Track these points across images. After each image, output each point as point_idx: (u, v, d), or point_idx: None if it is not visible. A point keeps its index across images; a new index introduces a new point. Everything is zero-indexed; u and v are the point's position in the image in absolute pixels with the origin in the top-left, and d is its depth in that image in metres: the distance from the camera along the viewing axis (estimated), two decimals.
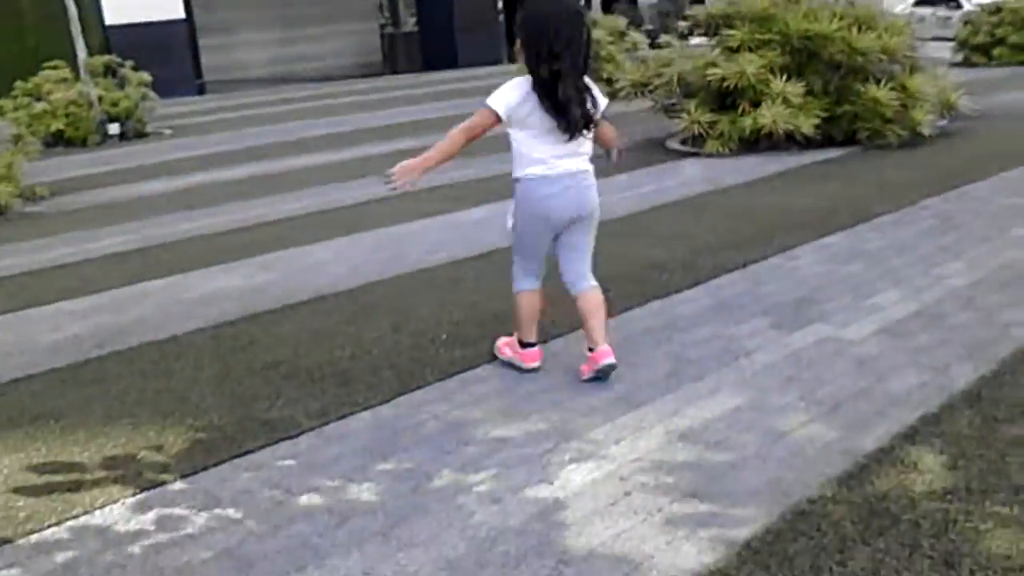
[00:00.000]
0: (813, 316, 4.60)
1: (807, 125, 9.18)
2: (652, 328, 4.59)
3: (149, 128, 16.17)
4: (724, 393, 3.77)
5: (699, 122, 9.58)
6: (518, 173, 3.94)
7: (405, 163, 4.01)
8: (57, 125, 14.85)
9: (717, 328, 4.53)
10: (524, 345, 4.21)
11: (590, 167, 3.99)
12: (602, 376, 3.97)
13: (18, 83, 15.61)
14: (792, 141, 9.32)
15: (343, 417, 3.83)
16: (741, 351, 4.20)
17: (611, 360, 3.94)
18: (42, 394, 4.38)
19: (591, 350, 4.00)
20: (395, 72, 31.25)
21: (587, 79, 3.85)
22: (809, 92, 9.46)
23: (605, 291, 4.16)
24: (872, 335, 4.28)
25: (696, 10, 10.89)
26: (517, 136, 3.88)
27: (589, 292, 4.07)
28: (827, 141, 9.41)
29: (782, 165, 8.74)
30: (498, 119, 3.82)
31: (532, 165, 3.88)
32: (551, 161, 3.86)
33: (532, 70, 3.79)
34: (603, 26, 17.03)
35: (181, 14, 24.58)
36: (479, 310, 5.07)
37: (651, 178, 8.67)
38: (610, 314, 4.29)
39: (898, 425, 3.37)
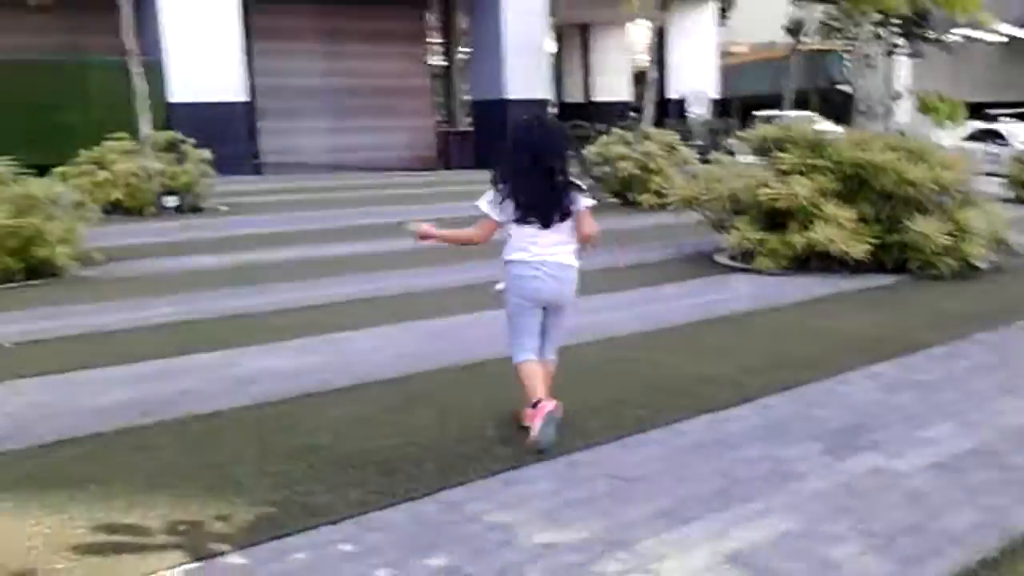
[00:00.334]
0: (865, 444, 4.53)
1: (858, 249, 9.18)
2: (701, 443, 4.53)
3: (205, 204, 16.49)
4: (774, 516, 3.70)
5: (749, 238, 9.62)
6: (505, 257, 4.66)
7: (429, 227, 4.89)
8: (117, 194, 15.19)
9: (767, 449, 4.46)
10: (535, 405, 4.51)
11: (571, 261, 4.62)
12: (541, 446, 4.38)
13: (83, 152, 16.04)
14: (843, 264, 9.31)
15: (384, 508, 3.79)
16: (792, 474, 4.13)
17: (551, 408, 4.46)
18: (86, 458, 4.39)
19: (536, 403, 4.49)
20: (448, 168, 31.79)
21: (569, 178, 4.55)
22: (861, 219, 9.49)
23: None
24: (926, 469, 4.20)
25: (749, 131, 11.02)
26: (508, 228, 4.60)
27: (549, 363, 4.84)
28: (878, 267, 9.38)
29: (833, 288, 8.71)
30: (496, 222, 4.62)
31: (515, 252, 4.60)
32: (531, 249, 4.55)
33: (505, 178, 4.60)
34: (655, 140, 17.26)
35: (244, 97, 25.27)
36: (522, 410, 5.03)
37: (700, 291, 8.67)
38: (659, 425, 4.25)
39: (956, 566, 3.28)
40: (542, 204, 4.51)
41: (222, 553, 3.39)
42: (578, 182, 4.62)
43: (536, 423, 4.41)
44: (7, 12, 23.79)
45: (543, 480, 4.08)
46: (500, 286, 4.70)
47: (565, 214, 4.52)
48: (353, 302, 8.29)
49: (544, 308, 4.67)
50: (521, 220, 4.54)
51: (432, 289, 8.87)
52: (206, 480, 4.08)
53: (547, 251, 4.54)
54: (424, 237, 4.90)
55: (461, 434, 4.66)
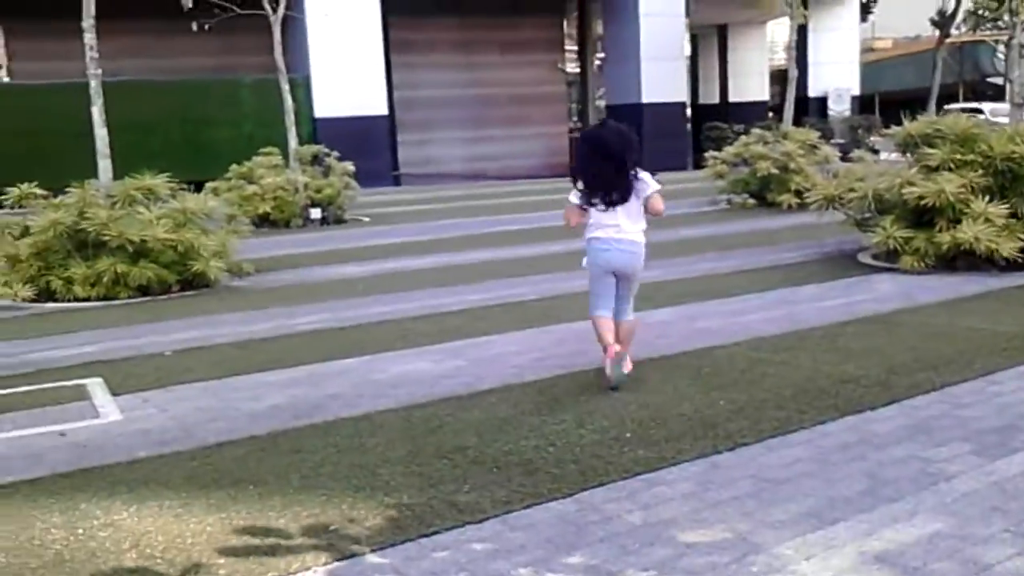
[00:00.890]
0: (1018, 445, 4.37)
1: (1009, 247, 8.83)
2: (847, 444, 4.46)
3: (348, 215, 17.02)
4: (922, 517, 3.62)
5: (894, 237, 9.36)
6: (586, 235, 5.73)
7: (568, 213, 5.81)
8: (265, 207, 15.85)
9: (914, 449, 4.35)
10: (605, 348, 5.53)
11: (639, 238, 5.65)
12: (616, 383, 5.48)
13: (233, 166, 16.78)
14: (992, 263, 8.97)
15: (528, 507, 3.87)
16: (940, 475, 4.03)
17: (619, 352, 5.53)
18: (243, 459, 4.61)
19: (607, 347, 5.51)
20: None
21: (633, 168, 5.53)
22: (1013, 215, 9.12)
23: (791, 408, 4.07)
24: None
25: (893, 128, 10.71)
26: (589, 212, 5.64)
27: (624, 323, 5.75)
28: None
29: (982, 286, 8.40)
30: (580, 207, 5.67)
31: (593, 230, 5.66)
32: (605, 228, 5.60)
33: (580, 172, 5.70)
34: (794, 139, 16.94)
35: (384, 111, 25.94)
36: (663, 411, 5.05)
37: (843, 291, 8.49)
38: (803, 427, 4.22)
39: None
40: (611, 190, 5.53)
41: (370, 551, 3.52)
42: (643, 172, 5.61)
43: (607, 363, 5.48)
44: (167, 35, 25.05)
45: (685, 481, 4.09)
46: (585, 262, 5.77)
47: (630, 197, 5.54)
48: (492, 307, 8.43)
49: (616, 276, 5.66)
50: (596, 204, 5.58)
51: (568, 293, 8.91)
52: (355, 481, 4.24)
53: (613, 232, 5.58)
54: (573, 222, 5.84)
55: (601, 436, 4.71)
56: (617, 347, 5.50)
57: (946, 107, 27.96)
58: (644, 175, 5.61)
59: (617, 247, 5.60)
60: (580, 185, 5.66)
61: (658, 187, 5.66)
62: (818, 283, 8.92)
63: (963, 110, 24.97)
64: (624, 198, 5.55)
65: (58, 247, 9.82)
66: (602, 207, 5.57)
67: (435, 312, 8.28)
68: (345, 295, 9.37)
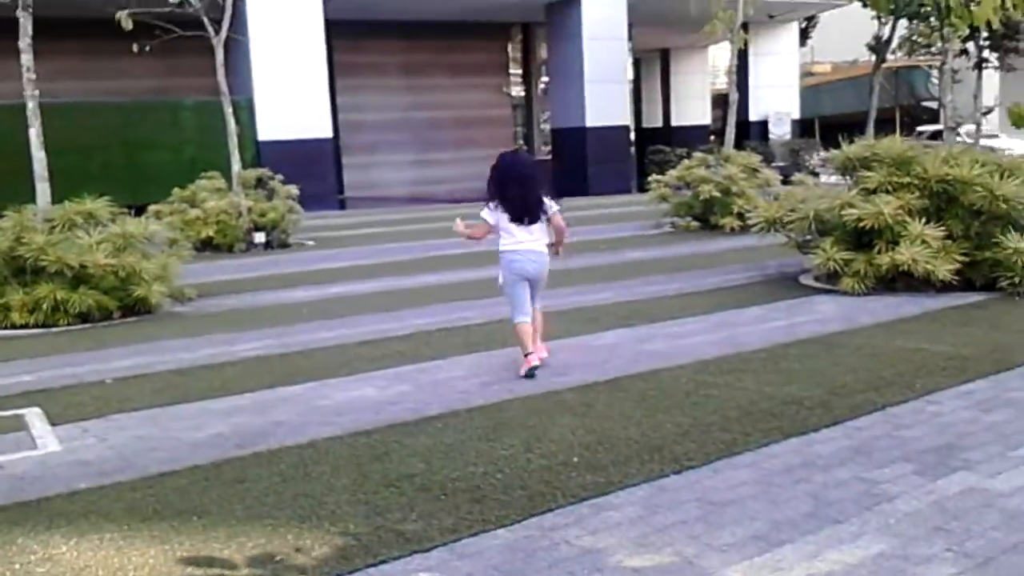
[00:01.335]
0: (958, 464, 4.45)
1: (945, 269, 9.01)
2: (791, 466, 4.50)
3: (292, 239, 16.89)
4: (867, 538, 3.66)
5: (834, 259, 9.51)
6: (500, 248, 6.67)
7: (461, 226, 6.78)
8: (208, 231, 15.67)
9: (857, 470, 4.41)
10: (526, 355, 6.55)
11: (543, 248, 6.69)
12: (530, 375, 6.46)
13: (176, 190, 16.59)
14: (929, 284, 9.14)
15: (475, 534, 3.85)
16: (883, 496, 4.09)
17: (542, 357, 6.68)
18: (185, 489, 4.54)
19: (527, 354, 6.57)
20: None
21: (539, 192, 6.59)
22: (948, 236, 9.31)
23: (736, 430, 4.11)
24: (1023, 488, 4.11)
25: (832, 151, 10.90)
26: (500, 228, 6.60)
27: (537, 312, 6.86)
28: (967, 286, 9.19)
29: (919, 307, 8.56)
30: (489, 225, 6.66)
31: (506, 244, 6.61)
32: (516, 243, 6.58)
33: (493, 193, 6.59)
34: (735, 162, 17.15)
35: (329, 134, 25.83)
36: (611, 436, 5.07)
37: (785, 313, 8.60)
38: (748, 449, 4.25)
39: None
40: (524, 210, 6.52)
41: None
42: (547, 196, 6.64)
43: (525, 368, 6.51)
44: (107, 56, 24.74)
45: (632, 505, 4.10)
46: (501, 279, 6.73)
47: (537, 217, 6.56)
48: (437, 331, 8.41)
49: (529, 281, 6.68)
50: (508, 221, 6.53)
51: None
52: (301, 510, 4.19)
53: (527, 242, 6.58)
54: (459, 231, 6.82)
55: (547, 461, 4.71)
56: (535, 360, 6.55)
57: (919, 129, 28.50)
58: (546, 199, 6.64)
59: (529, 257, 6.63)
60: (493, 205, 6.60)
61: (558, 208, 6.71)
62: (761, 305, 9.02)
63: (932, 135, 25.55)
64: (535, 217, 6.57)
65: None
66: (516, 224, 6.55)
67: (381, 337, 8.24)
68: (289, 320, 9.28)
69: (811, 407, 5.48)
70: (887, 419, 5.22)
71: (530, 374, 6.46)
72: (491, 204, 6.60)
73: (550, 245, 6.82)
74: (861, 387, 5.89)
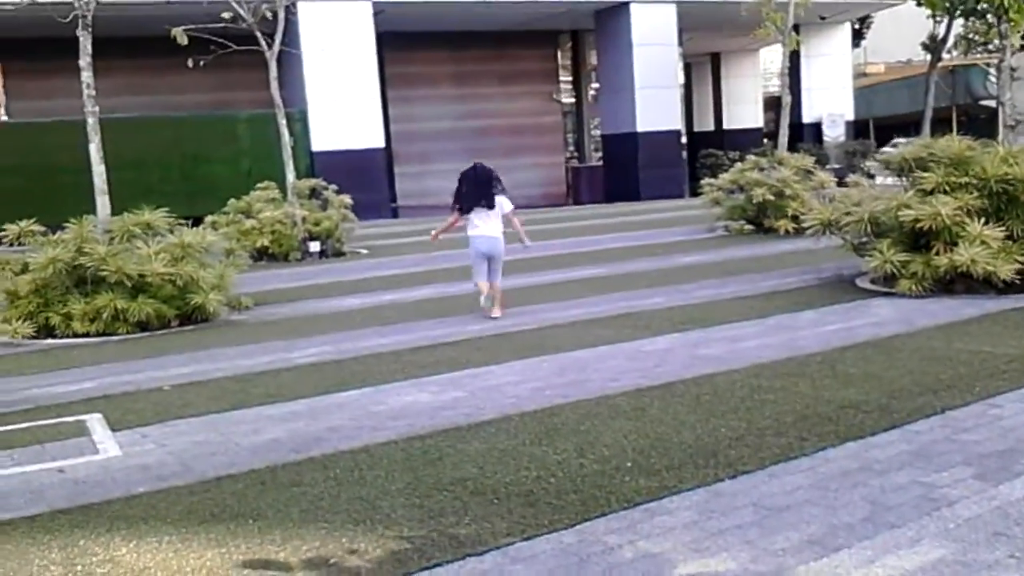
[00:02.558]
0: (1021, 469, 4.36)
1: (1006, 269, 8.84)
2: (848, 470, 4.45)
3: (346, 247, 17.04)
4: (925, 544, 3.60)
5: (891, 261, 9.38)
6: (468, 232, 9.28)
7: (435, 232, 9.88)
8: (263, 241, 15.87)
9: (916, 475, 4.34)
10: (481, 290, 9.36)
11: (498, 234, 9.33)
12: (487, 301, 9.35)
13: (232, 201, 16.84)
14: (990, 285, 8.98)
15: (529, 538, 3.85)
16: (943, 500, 4.02)
17: (494, 316, 9.23)
18: (243, 493, 4.60)
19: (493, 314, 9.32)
20: (577, 203, 31.94)
21: (492, 192, 9.28)
22: (1009, 237, 9.14)
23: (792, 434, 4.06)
24: None
25: (888, 152, 10.74)
26: (467, 218, 9.27)
27: (495, 284, 9.35)
28: None
29: (979, 309, 8.41)
30: (459, 215, 9.38)
31: (471, 229, 9.23)
32: (478, 227, 9.25)
33: (459, 197, 9.38)
34: (789, 165, 17.00)
35: (381, 144, 26.04)
36: (665, 441, 5.04)
37: (841, 316, 8.50)
38: (804, 453, 4.25)
39: None
40: (482, 203, 9.26)
41: None
42: (502, 194, 9.39)
43: (482, 298, 9.41)
44: (163, 72, 25.21)
45: (686, 510, 4.08)
46: (470, 251, 9.57)
47: (495, 208, 9.29)
48: (490, 337, 8.43)
49: (487, 258, 9.30)
50: (472, 212, 9.24)
51: (568, 322, 8.94)
52: (355, 514, 4.22)
53: (486, 229, 9.28)
54: (436, 237, 9.95)
55: (601, 466, 4.69)
56: (486, 287, 9.36)
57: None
58: (499, 197, 9.36)
59: (487, 239, 9.31)
60: (456, 206, 9.47)
61: (508, 201, 9.51)
62: (817, 309, 8.92)
63: None
64: (491, 207, 9.27)
65: (57, 283, 9.83)
66: (475, 215, 9.23)
67: (434, 343, 8.28)
68: (344, 327, 9.37)
69: (868, 411, 5.41)
70: (947, 423, 5.14)
71: (485, 304, 9.43)
72: (455, 205, 9.52)
73: (516, 237, 9.82)
74: (920, 390, 5.80)
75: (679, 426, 5.28)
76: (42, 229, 10.33)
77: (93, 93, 10.98)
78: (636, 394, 6.08)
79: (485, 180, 9.38)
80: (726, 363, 6.81)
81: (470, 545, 3.80)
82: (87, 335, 9.50)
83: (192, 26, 13.53)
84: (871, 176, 17.87)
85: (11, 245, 10.43)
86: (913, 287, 9.18)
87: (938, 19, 25.04)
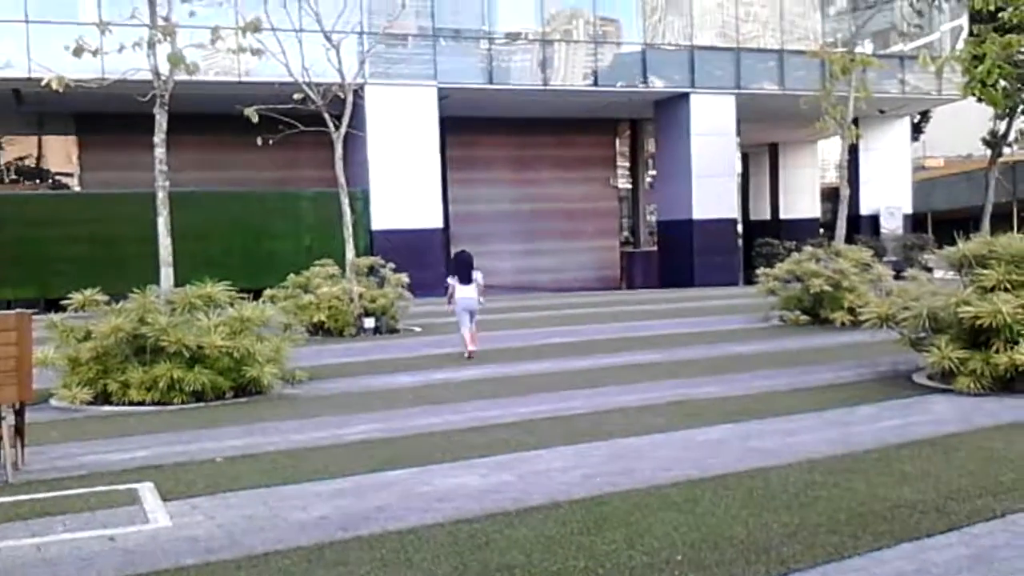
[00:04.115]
0: None
1: None
2: (903, 573, 4.35)
3: (401, 325, 17.18)
4: None
5: (950, 358, 9.24)
6: (456, 296, 13.42)
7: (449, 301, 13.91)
8: (320, 316, 16.08)
9: None
10: (467, 353, 13.00)
11: (475, 296, 13.43)
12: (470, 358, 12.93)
13: (291, 276, 17.12)
14: None
15: None
16: None
17: (473, 351, 13.08)
18: (290, 570, 4.60)
19: (468, 353, 13.09)
20: (631, 287, 31.96)
21: (472, 271, 13.52)
22: None
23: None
24: None
25: (948, 248, 10.66)
26: (456, 287, 13.46)
27: (473, 327, 13.30)
28: None
29: None
30: (454, 286, 13.48)
31: (458, 294, 13.39)
32: (463, 292, 13.39)
33: (453, 272, 13.71)
34: (847, 256, 16.90)
35: (440, 224, 26.43)
36: (715, 534, 4.97)
37: (898, 412, 8.36)
38: (858, 553, 4.12)
39: None
40: (466, 278, 13.36)
41: None
42: (477, 271, 13.48)
43: (468, 351, 12.96)
44: (231, 149, 25.92)
45: None
46: (455, 311, 13.50)
47: (471, 280, 13.35)
48: (541, 420, 8.40)
49: (469, 312, 13.18)
50: (460, 282, 13.32)
51: (619, 407, 8.89)
52: None
53: (468, 293, 13.31)
54: (450, 301, 13.61)
55: (651, 558, 4.64)
56: (468, 333, 13.16)
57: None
58: (476, 273, 13.48)
59: (469, 300, 13.36)
60: (453, 278, 13.54)
61: (480, 276, 13.58)
62: (873, 404, 8.79)
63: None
64: (470, 280, 13.40)
65: (117, 352, 10.01)
66: (463, 284, 13.37)
67: (484, 424, 8.28)
68: (395, 405, 9.41)
69: (925, 511, 5.29)
70: (1007, 526, 5.01)
71: (470, 357, 12.85)
72: (452, 277, 13.70)
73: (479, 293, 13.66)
74: (978, 492, 5.67)
75: (731, 520, 5.21)
76: (105, 298, 10.56)
77: (165, 168, 11.31)
78: (688, 485, 6.01)
79: (469, 262, 13.65)
80: (779, 457, 6.71)
81: None
82: (143, 403, 9.64)
83: (263, 106, 13.93)
84: (928, 270, 17.71)
85: (75, 312, 10.66)
86: (971, 384, 9.02)
87: (999, 115, 24.95)
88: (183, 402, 9.69)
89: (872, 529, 4.98)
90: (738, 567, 4.47)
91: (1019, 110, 24.52)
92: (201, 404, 9.76)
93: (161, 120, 11.27)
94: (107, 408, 9.65)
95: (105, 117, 25.68)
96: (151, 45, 11.31)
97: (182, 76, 11.35)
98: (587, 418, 8.48)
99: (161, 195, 11.24)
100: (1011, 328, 9.00)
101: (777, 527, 5.06)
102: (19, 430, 6.91)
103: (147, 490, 6.19)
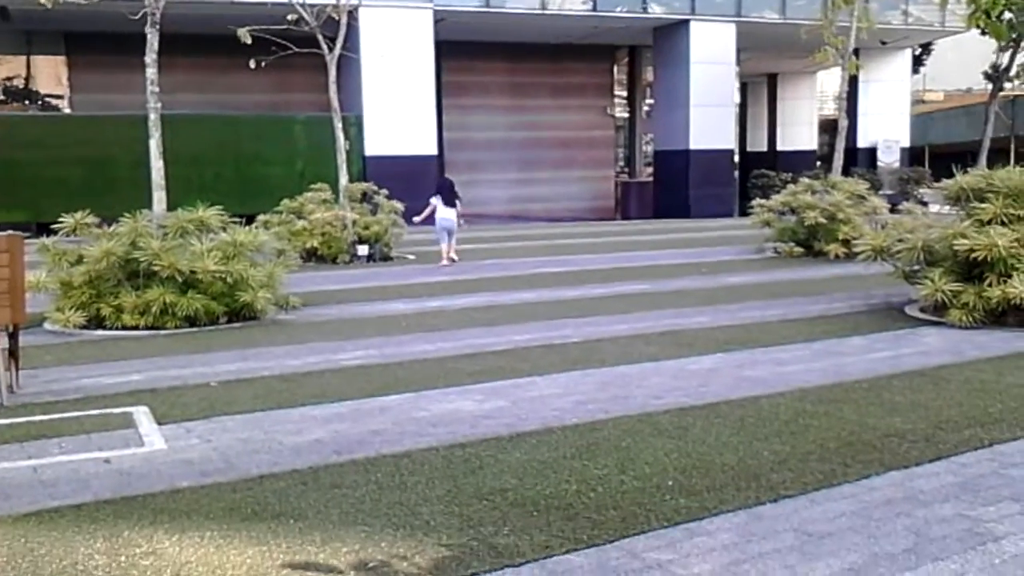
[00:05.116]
0: None
1: None
2: (891, 500, 4.40)
3: (394, 252, 17.16)
4: None
5: (943, 291, 9.26)
6: (436, 215, 15.97)
7: (420, 216, 16.54)
8: (313, 242, 16.04)
9: (961, 508, 4.28)
10: (448, 258, 16.00)
11: (453, 217, 16.03)
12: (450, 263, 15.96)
13: (285, 201, 17.03)
14: None
15: (568, 552, 3.85)
16: (988, 535, 3.96)
17: (452, 257, 16.18)
18: (284, 492, 4.64)
19: (443, 262, 15.90)
20: (626, 218, 31.90)
21: (455, 194, 16.30)
22: None
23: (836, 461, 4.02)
24: None
25: (945, 181, 10.62)
26: (438, 207, 16.12)
27: (452, 244, 16.21)
28: None
29: None
30: (434, 205, 16.20)
31: (439, 212, 15.93)
32: (443, 212, 15.95)
33: (436, 193, 16.46)
34: (842, 189, 16.86)
35: (434, 151, 26.21)
36: (706, 461, 5.01)
37: (890, 344, 8.40)
38: (847, 481, 4.23)
39: None
40: (448, 201, 15.96)
41: None
42: (458, 198, 16.31)
43: (444, 261, 15.75)
44: (224, 71, 25.62)
45: (726, 532, 4.05)
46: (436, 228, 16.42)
47: (453, 204, 16.02)
48: (534, 348, 8.43)
49: (448, 231, 15.94)
50: (442, 204, 15.91)
51: (610, 336, 8.92)
52: (395, 519, 4.25)
53: (448, 214, 15.89)
54: (421, 220, 16.34)
55: (642, 483, 4.68)
56: (446, 249, 15.88)
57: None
58: (457, 200, 16.07)
59: (448, 220, 15.75)
60: (436, 197, 15.94)
61: (460, 205, 16.32)
62: (865, 335, 8.83)
63: None
64: (453, 203, 15.79)
65: (110, 276, 9.98)
66: (446, 206, 15.68)
67: (478, 351, 8.30)
68: (389, 332, 9.43)
69: (914, 440, 5.34)
70: (994, 456, 5.06)
71: (449, 263, 15.37)
72: (435, 196, 15.89)
73: (459, 216, 16.07)
74: (967, 422, 5.72)
75: (722, 447, 5.25)
76: (97, 221, 10.49)
77: (156, 90, 11.17)
78: (679, 413, 6.05)
79: (452, 187, 16.14)
80: (771, 386, 6.76)
81: (508, 556, 3.81)
82: (136, 328, 9.64)
83: (256, 27, 13.71)
84: (924, 204, 17.67)
85: (66, 236, 10.61)
86: (964, 318, 9.06)
87: (1002, 48, 24.69)
88: (176, 327, 9.70)
89: (862, 457, 5.03)
90: (728, 493, 4.51)
91: (1023, 43, 24.25)
92: (195, 329, 9.77)
93: (152, 40, 11.10)
94: (100, 332, 9.65)
95: (95, 37, 25.34)
96: None
97: None
98: (580, 346, 8.51)
99: (153, 117, 11.12)
100: (1006, 262, 9.01)
101: (768, 454, 5.10)
102: (13, 353, 6.92)
103: (142, 413, 6.22)
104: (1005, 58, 25.55)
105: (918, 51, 37.44)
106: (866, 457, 5.04)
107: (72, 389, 7.02)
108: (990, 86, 26.15)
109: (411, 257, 17.22)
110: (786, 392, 6.55)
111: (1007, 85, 26.79)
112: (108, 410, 6.33)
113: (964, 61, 36.25)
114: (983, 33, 21.05)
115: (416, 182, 24.07)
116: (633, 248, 18.86)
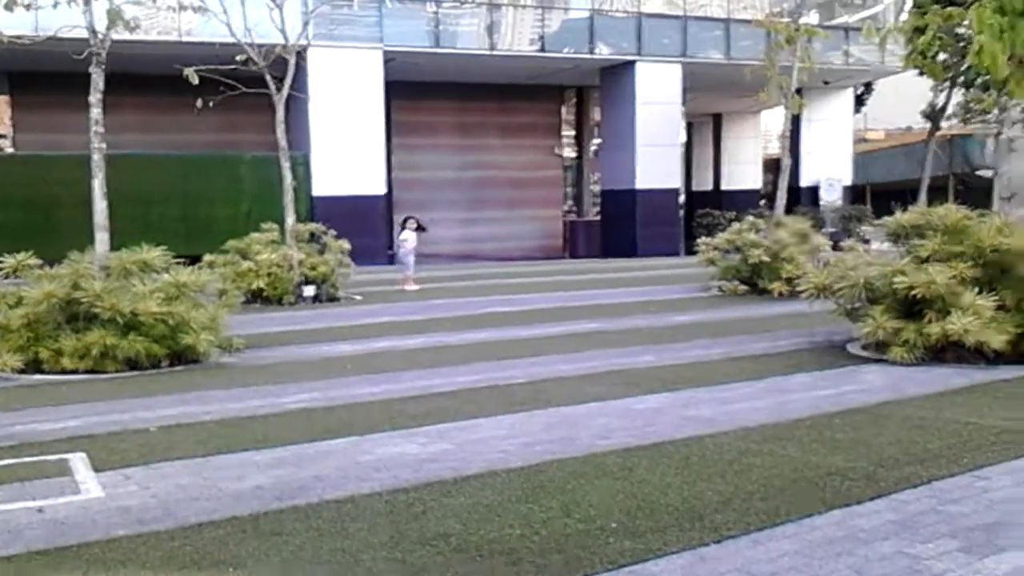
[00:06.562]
0: (1006, 542, 4.34)
1: (997, 340, 8.87)
2: (833, 538, 4.42)
3: (341, 293, 17.05)
4: None
5: (884, 328, 9.39)
6: (402, 240, 19.45)
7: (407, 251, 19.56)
8: (259, 283, 15.88)
9: (901, 545, 4.32)
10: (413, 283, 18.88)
11: (415, 243, 19.39)
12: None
13: (231, 241, 16.88)
14: (981, 355, 8.99)
15: None
16: (927, 572, 4.00)
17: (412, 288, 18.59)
18: (223, 540, 4.56)
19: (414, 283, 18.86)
20: (574, 256, 32.05)
21: (420, 223, 19.91)
22: (1000, 307, 9.18)
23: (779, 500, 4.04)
24: None
25: (886, 218, 10.82)
26: (407, 234, 19.41)
27: (411, 275, 18.97)
28: (1020, 359, 9.02)
29: (969, 379, 8.41)
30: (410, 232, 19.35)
31: (406, 241, 19.11)
32: (409, 239, 19.08)
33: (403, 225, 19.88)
34: (786, 227, 17.09)
35: (382, 191, 26.18)
36: (650, 502, 5.01)
37: (832, 381, 8.49)
38: (790, 519, 4.17)
39: None
40: (418, 228, 19.47)
41: None
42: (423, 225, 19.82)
43: (411, 288, 18.41)
44: (170, 111, 25.40)
45: (670, 574, 4.05)
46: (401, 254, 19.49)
47: (421, 230, 19.80)
48: (482, 389, 8.40)
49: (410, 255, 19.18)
50: (411, 232, 19.24)
51: (559, 377, 8.93)
52: (336, 566, 4.19)
53: (412, 241, 19.04)
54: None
55: (586, 525, 4.67)
56: (413, 286, 18.55)
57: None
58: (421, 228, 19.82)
59: (412, 245, 19.07)
60: (411, 225, 19.38)
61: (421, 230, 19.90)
62: (808, 372, 8.93)
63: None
64: (421, 231, 19.79)
65: (49, 319, 9.80)
66: (412, 234, 19.10)
67: (424, 393, 8.26)
68: (334, 374, 9.35)
69: (855, 479, 5.39)
70: (933, 493, 5.12)
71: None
72: (405, 228, 19.23)
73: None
74: (907, 459, 5.78)
75: (666, 488, 5.26)
76: (39, 263, 10.32)
77: (101, 130, 11.04)
78: (624, 453, 6.05)
79: (416, 224, 19.47)
80: (715, 425, 6.79)
81: None
82: (76, 372, 9.46)
83: (203, 66, 13.64)
84: (866, 241, 17.98)
85: (6, 277, 10.42)
86: (904, 355, 9.19)
87: (939, 88, 25.31)
88: (117, 370, 9.53)
89: (804, 496, 5.06)
90: (672, 534, 4.51)
91: (958, 83, 24.89)
92: (135, 372, 9.60)
93: (97, 79, 10.99)
94: (38, 376, 9.46)
95: (40, 76, 25.00)
96: (87, 0, 11.00)
97: (120, 34, 11.06)
98: (527, 387, 8.50)
99: (97, 157, 10.98)
100: (944, 299, 9.16)
101: (711, 494, 5.12)
102: None
103: (79, 460, 6.09)
104: (942, 98, 26.20)
105: (860, 91, 38.23)
106: (808, 496, 5.07)
107: (6, 435, 6.86)
108: (929, 125, 26.75)
109: (358, 298, 17.13)
110: (730, 431, 6.59)
111: (944, 124, 27.43)
112: (43, 457, 6.19)
113: (904, 101, 37.06)
114: (920, 73, 21.56)
115: (365, 222, 24.04)
116: (581, 287, 18.94)
